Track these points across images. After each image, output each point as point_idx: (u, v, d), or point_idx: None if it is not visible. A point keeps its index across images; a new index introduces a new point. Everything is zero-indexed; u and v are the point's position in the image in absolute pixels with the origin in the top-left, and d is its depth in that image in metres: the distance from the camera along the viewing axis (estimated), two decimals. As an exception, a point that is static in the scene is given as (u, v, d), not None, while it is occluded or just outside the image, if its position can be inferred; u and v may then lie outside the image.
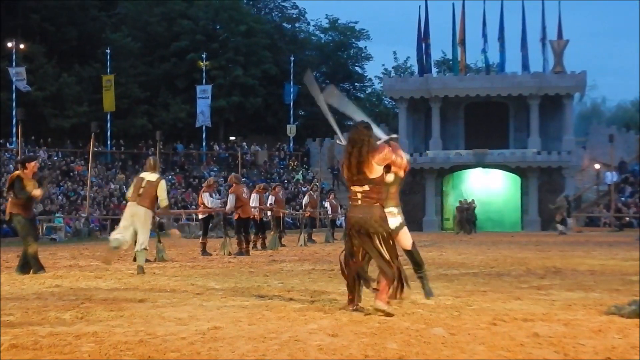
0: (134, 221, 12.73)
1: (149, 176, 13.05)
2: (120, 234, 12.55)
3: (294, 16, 69.35)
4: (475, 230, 40.40)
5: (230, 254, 17.94)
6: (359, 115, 8.41)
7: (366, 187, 7.50)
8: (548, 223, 39.79)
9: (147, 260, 15.65)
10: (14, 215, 12.67)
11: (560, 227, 34.85)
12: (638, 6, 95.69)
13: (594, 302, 8.48)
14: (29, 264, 12.58)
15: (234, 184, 19.04)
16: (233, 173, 22.81)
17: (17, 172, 12.95)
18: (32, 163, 13.04)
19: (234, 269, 13.47)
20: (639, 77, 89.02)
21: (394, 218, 8.32)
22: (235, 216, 18.75)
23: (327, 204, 29.11)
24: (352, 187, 7.58)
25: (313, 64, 65.68)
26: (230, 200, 18.60)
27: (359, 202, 7.52)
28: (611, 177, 46.24)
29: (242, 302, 8.40)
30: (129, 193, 13.25)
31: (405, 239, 8.55)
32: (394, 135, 8.36)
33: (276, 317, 7.16)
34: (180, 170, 50.63)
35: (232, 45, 56.80)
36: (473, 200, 41.70)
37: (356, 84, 72.19)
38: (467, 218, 39.08)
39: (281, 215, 23.16)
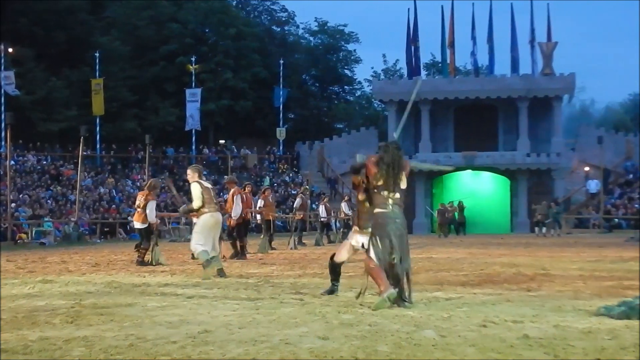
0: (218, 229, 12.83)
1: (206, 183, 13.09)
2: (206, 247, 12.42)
3: (283, 19, 69.31)
4: (464, 232, 40.49)
5: (224, 257, 17.85)
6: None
7: (397, 195, 8.36)
8: (537, 225, 39.90)
9: (144, 264, 15.73)
10: None
11: (537, 229, 36.33)
12: (638, 9, 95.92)
13: (583, 303, 8.52)
14: None
15: (232, 188, 18.95)
16: (230, 176, 22.52)
17: None
18: None
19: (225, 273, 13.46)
20: (639, 77, 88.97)
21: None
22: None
23: (321, 208, 29.16)
24: (382, 193, 8.33)
25: (303, 67, 65.72)
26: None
27: (390, 207, 8.30)
28: (595, 185, 46.57)
29: (233, 306, 8.39)
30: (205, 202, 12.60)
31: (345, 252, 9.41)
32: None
33: (267, 321, 7.16)
34: (170, 174, 50.53)
35: (222, 48, 56.73)
36: (460, 202, 41.77)
37: (345, 86, 72.13)
38: (448, 221, 39.13)
39: (271, 218, 23.16)
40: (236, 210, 18.32)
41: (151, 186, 16.79)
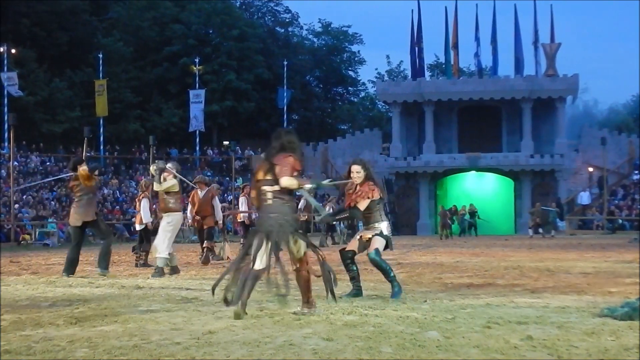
0: None
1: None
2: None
3: (287, 20, 69.35)
4: (467, 233, 40.17)
5: (228, 258, 17.76)
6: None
7: (277, 187, 7.59)
8: (544, 226, 39.86)
9: (149, 265, 15.74)
10: (98, 215, 13.41)
11: (530, 232, 36.54)
12: (638, 9, 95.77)
13: (587, 304, 8.51)
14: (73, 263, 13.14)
15: (204, 189, 18.70)
16: (200, 176, 21.73)
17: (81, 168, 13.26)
18: (82, 164, 13.49)
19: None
20: (639, 78, 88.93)
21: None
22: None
23: (327, 209, 29.03)
24: (263, 188, 7.68)
25: (306, 68, 65.73)
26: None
27: (270, 201, 7.61)
28: (587, 197, 46.50)
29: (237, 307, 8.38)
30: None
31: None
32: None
33: (271, 322, 7.16)
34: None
35: (225, 49, 56.76)
36: (472, 206, 41.65)
37: (349, 88, 72.23)
38: (447, 222, 39.02)
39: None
40: (218, 213, 17.93)
41: (143, 187, 16.79)
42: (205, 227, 17.71)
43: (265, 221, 7.56)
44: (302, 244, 7.64)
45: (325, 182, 9.06)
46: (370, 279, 12.05)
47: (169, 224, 12.94)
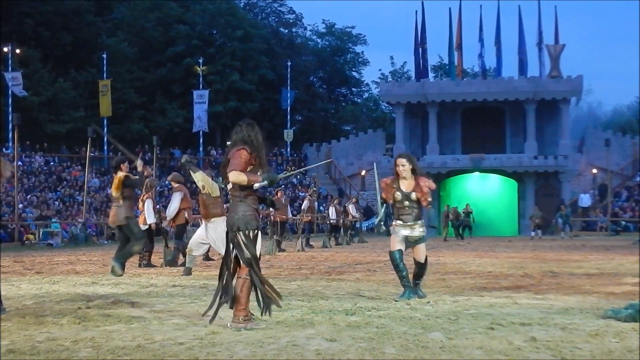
0: None
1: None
2: None
3: (291, 21, 69.34)
4: (465, 235, 40.04)
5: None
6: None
7: (229, 186, 7.23)
8: (545, 228, 39.84)
9: (152, 266, 15.73)
10: (130, 218, 12.54)
11: (533, 233, 37.20)
12: (638, 9, 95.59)
13: (590, 306, 8.50)
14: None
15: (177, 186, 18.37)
16: (175, 173, 21.06)
17: (120, 173, 12.68)
18: (125, 164, 13.04)
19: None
20: (639, 80, 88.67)
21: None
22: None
23: (331, 209, 29.06)
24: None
25: (310, 69, 65.70)
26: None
27: (234, 199, 7.18)
28: (587, 199, 46.46)
29: (240, 307, 8.37)
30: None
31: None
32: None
33: (274, 322, 7.16)
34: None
35: (229, 50, 56.75)
36: (468, 206, 41.64)
37: (353, 89, 72.17)
38: (446, 222, 39.01)
39: (279, 220, 23.16)
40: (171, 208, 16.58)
41: (147, 187, 16.71)
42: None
43: (230, 222, 7.10)
44: (244, 255, 6.97)
45: (281, 175, 8.55)
46: (374, 280, 12.07)
47: (220, 226, 12.63)
